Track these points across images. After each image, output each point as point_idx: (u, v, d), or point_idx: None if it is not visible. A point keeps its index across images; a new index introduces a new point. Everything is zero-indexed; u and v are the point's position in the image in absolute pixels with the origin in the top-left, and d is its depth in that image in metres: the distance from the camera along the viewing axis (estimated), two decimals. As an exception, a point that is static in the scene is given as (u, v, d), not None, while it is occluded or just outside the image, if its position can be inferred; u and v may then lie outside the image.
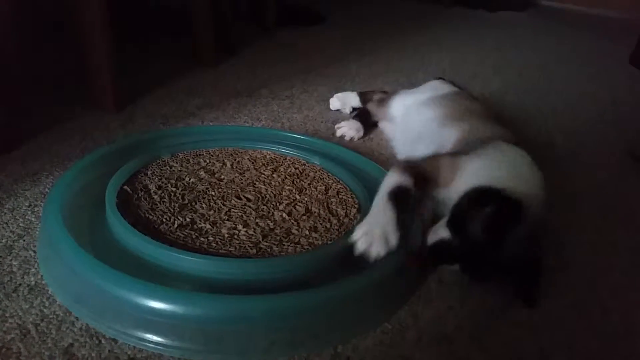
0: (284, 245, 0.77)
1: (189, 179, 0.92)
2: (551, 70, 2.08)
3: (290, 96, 1.46)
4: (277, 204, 0.87)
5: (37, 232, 0.79)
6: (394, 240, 0.71)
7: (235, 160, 1.01)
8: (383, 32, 2.43)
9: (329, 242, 0.79)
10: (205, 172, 0.95)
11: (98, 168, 0.89)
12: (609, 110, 1.65)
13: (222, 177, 0.95)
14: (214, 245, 0.75)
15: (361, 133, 1.23)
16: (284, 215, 0.85)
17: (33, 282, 0.69)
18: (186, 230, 0.78)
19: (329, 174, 0.99)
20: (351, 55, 1.95)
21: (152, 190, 0.87)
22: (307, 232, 0.81)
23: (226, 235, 0.78)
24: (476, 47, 2.30)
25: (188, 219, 0.80)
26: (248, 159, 1.02)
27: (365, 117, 1.27)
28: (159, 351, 0.60)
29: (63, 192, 0.78)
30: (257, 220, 0.82)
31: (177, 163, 0.98)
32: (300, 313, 0.64)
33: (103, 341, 0.61)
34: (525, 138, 0.96)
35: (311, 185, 0.95)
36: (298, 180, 0.96)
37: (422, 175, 0.81)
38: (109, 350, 0.60)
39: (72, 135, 1.11)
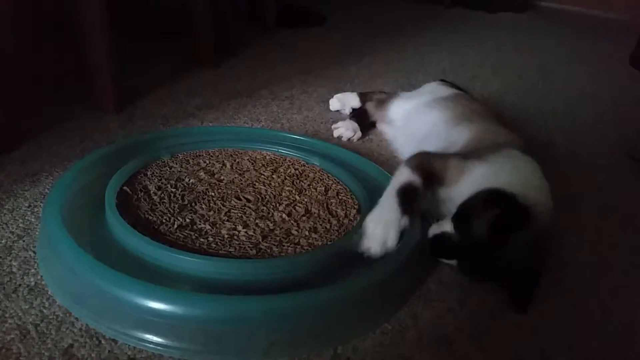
0: (283, 246, 0.77)
1: (189, 180, 0.92)
2: (551, 70, 2.08)
3: (290, 97, 1.46)
4: (277, 205, 0.87)
5: (36, 233, 0.79)
6: (393, 241, 0.72)
7: (235, 161, 1.01)
8: (383, 32, 2.43)
9: (328, 243, 0.79)
10: (205, 173, 0.95)
11: (98, 168, 0.89)
12: (609, 110, 1.66)
13: (222, 177, 0.95)
14: (214, 245, 0.75)
15: (358, 133, 1.23)
16: (284, 216, 0.84)
17: (33, 283, 0.69)
18: (186, 231, 0.78)
19: (329, 175, 0.99)
20: (351, 56, 1.95)
21: (151, 191, 0.87)
22: (306, 233, 0.81)
23: (226, 236, 0.78)
24: (476, 48, 2.30)
25: (188, 220, 0.80)
26: (248, 159, 1.02)
27: (362, 118, 1.27)
28: (158, 351, 0.60)
29: (63, 192, 0.78)
30: (256, 221, 0.82)
31: (176, 164, 0.98)
32: (300, 314, 0.64)
33: (103, 342, 0.61)
34: (525, 138, 0.96)
35: (311, 186, 0.95)
36: (298, 181, 0.96)
37: (432, 173, 0.82)
38: (108, 351, 0.60)
39: (72, 135, 1.11)
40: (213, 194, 0.89)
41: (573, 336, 0.71)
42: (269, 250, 0.76)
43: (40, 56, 1.46)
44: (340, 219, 0.86)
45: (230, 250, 0.75)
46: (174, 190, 0.88)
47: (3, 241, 0.76)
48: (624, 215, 1.04)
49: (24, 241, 0.77)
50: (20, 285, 0.69)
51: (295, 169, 1.00)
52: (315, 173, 1.00)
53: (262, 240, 0.78)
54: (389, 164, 1.10)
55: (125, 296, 0.60)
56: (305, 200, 0.90)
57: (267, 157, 1.04)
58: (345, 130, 1.22)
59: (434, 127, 1.05)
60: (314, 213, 0.87)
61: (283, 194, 0.91)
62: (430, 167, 0.83)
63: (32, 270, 0.71)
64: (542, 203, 0.76)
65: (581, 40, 2.69)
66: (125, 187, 0.87)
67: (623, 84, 1.97)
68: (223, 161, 1.00)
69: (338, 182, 0.97)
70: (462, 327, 0.70)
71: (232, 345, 0.62)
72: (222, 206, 0.85)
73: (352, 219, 0.86)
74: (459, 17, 3.02)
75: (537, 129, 1.42)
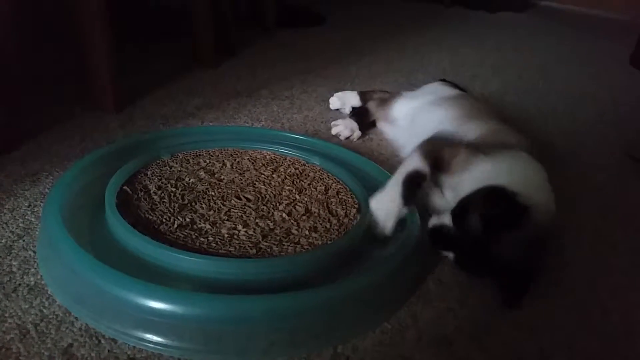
0: (283, 245, 0.77)
1: (189, 179, 0.92)
2: (551, 70, 2.08)
3: (290, 96, 1.46)
4: (277, 204, 0.87)
5: (36, 233, 0.79)
6: (389, 230, 0.80)
7: (235, 160, 1.01)
8: (383, 32, 2.43)
9: (328, 242, 0.79)
10: (205, 173, 0.95)
11: (98, 168, 0.89)
12: (609, 110, 1.65)
13: (222, 177, 0.95)
14: (214, 245, 0.75)
15: (357, 133, 1.23)
16: (284, 215, 0.84)
17: (33, 282, 0.69)
18: (186, 231, 0.78)
19: (329, 174, 0.99)
20: (351, 55, 1.95)
21: (152, 191, 0.87)
22: (306, 232, 0.81)
23: (226, 236, 0.78)
24: (476, 48, 2.30)
25: (188, 219, 0.80)
26: (248, 159, 1.02)
27: (362, 117, 1.27)
28: (158, 351, 0.60)
29: (63, 192, 0.78)
30: (257, 221, 0.82)
31: (176, 163, 0.98)
32: (300, 313, 0.64)
33: (102, 341, 0.61)
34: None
35: (311, 186, 0.95)
36: (298, 181, 0.96)
37: (441, 159, 0.86)
38: (108, 350, 0.60)
39: (72, 135, 1.11)
40: (213, 193, 0.89)
41: (573, 336, 0.71)
42: (269, 250, 0.76)
43: (40, 56, 1.46)
44: (340, 218, 0.86)
45: (230, 249, 0.75)
46: (174, 189, 0.88)
47: (3, 241, 0.76)
48: (624, 215, 1.04)
49: (24, 241, 0.77)
50: (20, 284, 0.69)
51: (295, 169, 1.00)
52: (316, 172, 1.00)
53: (262, 240, 0.78)
54: (389, 163, 1.10)
55: (125, 296, 0.60)
56: (306, 199, 0.90)
57: (267, 157, 1.04)
58: (344, 129, 1.22)
59: (441, 125, 1.04)
60: (314, 212, 0.87)
61: (283, 193, 0.91)
62: (440, 154, 0.86)
63: (32, 270, 0.71)
64: (544, 204, 0.77)
65: (581, 40, 2.69)
66: (125, 187, 0.87)
67: (623, 84, 1.97)
68: (223, 161, 1.00)
69: (338, 182, 0.97)
70: (462, 327, 0.70)
71: (232, 344, 0.62)
72: (222, 205, 0.85)
73: (352, 218, 0.86)
74: (459, 16, 3.02)
75: (537, 128, 1.42)
